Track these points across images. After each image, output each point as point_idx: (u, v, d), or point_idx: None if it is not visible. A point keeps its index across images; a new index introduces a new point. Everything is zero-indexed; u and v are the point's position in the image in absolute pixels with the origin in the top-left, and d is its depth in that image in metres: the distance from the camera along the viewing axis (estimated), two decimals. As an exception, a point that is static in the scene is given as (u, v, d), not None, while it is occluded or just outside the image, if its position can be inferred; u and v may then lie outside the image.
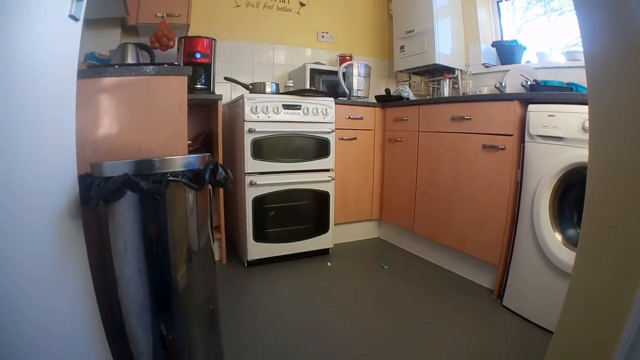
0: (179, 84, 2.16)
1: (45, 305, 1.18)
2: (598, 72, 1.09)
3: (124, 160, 1.47)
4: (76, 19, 1.29)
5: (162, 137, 2.09)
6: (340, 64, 4.17)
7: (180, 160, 1.51)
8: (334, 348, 2.17)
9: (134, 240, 1.49)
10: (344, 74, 3.96)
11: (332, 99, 3.42)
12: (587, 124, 2.03)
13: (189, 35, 3.48)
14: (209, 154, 1.71)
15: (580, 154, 2.07)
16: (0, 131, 1.00)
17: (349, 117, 3.66)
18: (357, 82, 3.98)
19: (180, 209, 1.55)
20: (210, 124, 3.49)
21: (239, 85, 3.44)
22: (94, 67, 2.33)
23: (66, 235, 1.32)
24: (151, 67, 2.12)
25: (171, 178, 1.42)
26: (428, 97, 4.31)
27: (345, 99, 3.87)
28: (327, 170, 3.41)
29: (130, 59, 3.03)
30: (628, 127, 1.01)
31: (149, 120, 2.05)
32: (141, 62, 3.15)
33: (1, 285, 0.99)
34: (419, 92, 4.45)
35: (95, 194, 1.36)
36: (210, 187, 1.64)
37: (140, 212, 1.47)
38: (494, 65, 3.89)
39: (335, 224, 3.58)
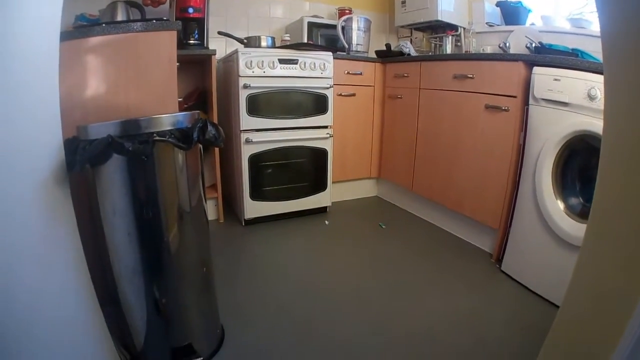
0: (168, 39, 2.09)
1: (35, 274, 1.16)
2: (614, 40, 1.00)
3: (109, 121, 1.41)
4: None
5: (152, 96, 2.04)
6: (339, 18, 4.03)
7: (167, 118, 1.44)
8: (331, 306, 2.18)
9: (122, 204, 1.45)
10: (343, 27, 3.84)
11: (330, 53, 3.34)
12: (592, 92, 1.98)
13: (181, -11, 3.36)
14: (198, 111, 1.66)
15: (585, 122, 2.02)
16: None
17: (348, 73, 3.57)
18: (357, 37, 3.87)
19: (169, 169, 1.50)
20: (204, 81, 3.41)
21: (234, 40, 3.35)
22: (80, 28, 2.25)
23: (53, 202, 1.28)
24: (139, 23, 2.05)
25: (158, 138, 1.36)
26: (430, 53, 4.22)
27: (344, 53, 3.77)
28: (325, 127, 3.36)
29: (120, 17, 2.93)
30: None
31: (138, 79, 2.00)
32: (132, 18, 3.06)
33: None
34: (420, 49, 4.35)
35: (80, 157, 1.31)
36: (200, 146, 1.58)
37: (128, 175, 1.42)
38: (498, 25, 3.77)
39: (333, 182, 3.55)
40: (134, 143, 1.30)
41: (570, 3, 3.38)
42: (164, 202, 1.51)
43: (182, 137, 1.42)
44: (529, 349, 1.44)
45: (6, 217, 1.03)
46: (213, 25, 3.49)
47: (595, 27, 2.88)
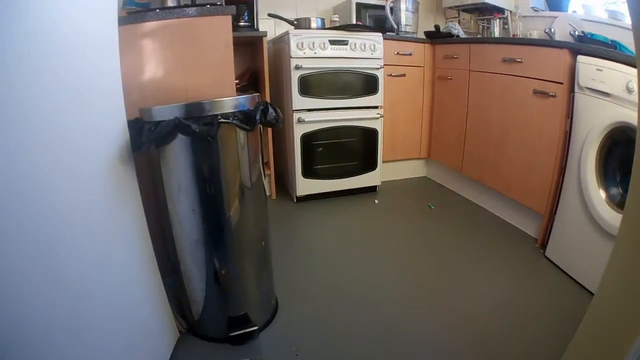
0: (223, 23, 2.13)
1: (102, 248, 1.23)
2: None
3: (172, 104, 1.47)
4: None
5: (210, 78, 2.09)
6: (387, -2, 4.03)
7: (230, 101, 1.50)
8: (379, 283, 2.23)
9: (187, 182, 1.53)
10: (391, 8, 3.82)
11: (380, 34, 3.33)
12: (630, 85, 1.95)
13: (230, -29, 3.40)
14: (258, 93, 1.71)
15: (624, 114, 2.00)
16: (47, 83, 1.01)
17: (398, 53, 3.57)
18: (406, 17, 3.85)
19: (232, 149, 1.56)
20: (255, 62, 3.47)
21: (283, 22, 3.38)
22: (134, 12, 2.31)
23: (119, 180, 1.35)
24: (193, 8, 2.09)
25: (222, 120, 1.42)
26: (478, 35, 4.16)
27: (393, 34, 3.75)
28: (376, 107, 3.37)
29: (170, 1, 2.99)
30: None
31: (195, 62, 2.04)
32: (182, 3, 3.11)
33: (59, 232, 1.02)
34: (468, 30, 4.29)
35: (147, 138, 1.38)
36: (260, 126, 1.63)
37: (192, 154, 1.49)
38: (543, 10, 3.72)
39: (383, 162, 3.57)
40: (200, 125, 1.36)
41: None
42: (226, 179, 1.58)
43: (245, 118, 1.48)
44: (565, 335, 1.45)
45: (76, 195, 1.10)
46: (262, 6, 3.52)
47: (628, 20, 2.83)
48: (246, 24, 3.35)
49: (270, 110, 1.55)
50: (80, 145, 1.13)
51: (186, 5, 2.81)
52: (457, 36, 3.80)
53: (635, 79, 1.92)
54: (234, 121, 1.44)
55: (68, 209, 1.06)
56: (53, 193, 1.01)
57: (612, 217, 2.01)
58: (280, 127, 1.70)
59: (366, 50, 3.24)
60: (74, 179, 1.10)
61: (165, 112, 1.44)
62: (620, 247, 1.15)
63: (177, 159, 1.50)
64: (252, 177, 1.67)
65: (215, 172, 1.54)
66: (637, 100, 1.90)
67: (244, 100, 1.54)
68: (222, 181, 1.56)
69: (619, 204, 2.05)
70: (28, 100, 0.94)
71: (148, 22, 1.95)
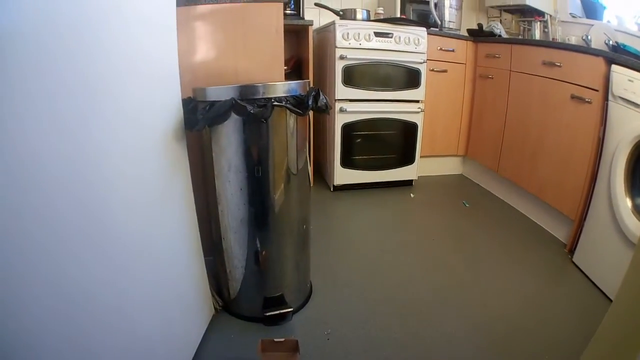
0: (274, 10, 2.16)
1: (148, 222, 1.28)
2: None
3: (225, 85, 1.52)
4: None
5: (259, 62, 2.13)
6: (432, -7, 4.04)
7: (282, 86, 1.54)
8: (410, 274, 2.28)
9: (237, 161, 1.58)
10: (435, 4, 3.83)
11: (424, 28, 3.35)
12: None
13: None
14: (308, 80, 1.75)
15: None
16: (113, 61, 1.06)
17: (440, 49, 3.58)
18: (449, 14, 3.86)
19: (282, 132, 1.61)
20: (299, 50, 3.50)
21: (328, 12, 3.41)
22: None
23: (172, 156, 1.41)
24: (245, -6, 2.13)
25: (276, 103, 1.46)
26: (519, 36, 4.14)
27: (437, 29, 3.76)
28: (417, 101, 3.39)
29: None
30: None
31: (246, 46, 2.08)
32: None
33: (107, 202, 1.06)
34: (509, 30, 4.27)
35: (202, 117, 1.42)
36: (310, 112, 1.67)
37: (244, 135, 1.54)
38: (580, 17, 3.70)
39: (421, 157, 3.59)
40: (255, 107, 1.41)
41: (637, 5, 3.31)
42: (274, 162, 1.62)
43: (297, 103, 1.52)
44: (585, 336, 1.47)
45: (128, 167, 1.14)
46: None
47: None
48: (292, 12, 3.39)
49: (322, 96, 1.59)
50: (137, 119, 1.18)
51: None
52: (499, 36, 3.79)
53: None
54: (288, 105, 1.49)
55: (119, 181, 1.10)
56: (107, 163, 1.05)
57: (635, 226, 2.01)
58: (329, 113, 1.74)
59: (410, 44, 3.26)
60: (129, 151, 1.14)
61: (220, 93, 1.49)
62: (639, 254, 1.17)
63: (229, 138, 1.55)
64: (299, 163, 1.72)
65: (264, 154, 1.59)
66: None
67: (296, 86, 1.58)
68: (270, 163, 1.61)
69: None
70: (95, 75, 0.99)
71: (203, 5, 2.00)
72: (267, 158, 1.59)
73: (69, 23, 0.89)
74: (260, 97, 1.48)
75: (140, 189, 1.21)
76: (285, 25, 2.84)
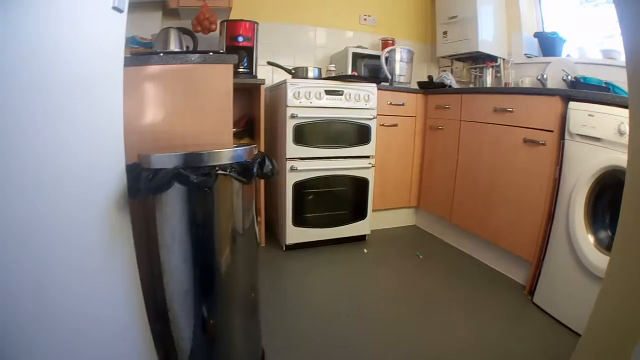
0: (224, 72, 2.18)
1: (92, 294, 1.23)
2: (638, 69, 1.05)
3: (171, 152, 1.50)
4: (120, 10, 1.32)
5: (208, 125, 2.12)
6: (382, 48, 4.15)
7: (228, 153, 1.53)
8: (368, 333, 2.24)
9: (181, 231, 1.54)
10: (386, 58, 3.93)
11: (374, 84, 3.41)
12: (622, 127, 2.03)
13: (230, 18, 3.49)
14: (255, 145, 1.74)
15: (616, 157, 2.07)
16: (49, 123, 1.03)
17: (391, 103, 3.65)
18: (400, 68, 3.95)
19: (228, 200, 1.59)
20: (252, 108, 3.51)
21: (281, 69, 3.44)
22: (138, 54, 2.35)
23: (115, 224, 1.37)
24: (196, 55, 2.13)
25: (220, 172, 1.45)
26: (470, 84, 4.29)
27: (387, 84, 3.86)
28: (368, 156, 3.42)
29: (173, 44, 3.05)
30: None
31: (195, 109, 2.08)
32: (184, 46, 3.18)
33: (52, 276, 1.04)
34: (460, 79, 4.41)
35: (145, 186, 1.40)
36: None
37: (188, 204, 1.51)
38: (536, 57, 3.84)
39: (373, 210, 3.60)
40: (198, 175, 1.39)
41: (602, 28, 3.42)
42: (220, 230, 1.60)
43: (242, 170, 1.51)
44: None
45: (70, 237, 1.11)
46: (261, 51, 3.62)
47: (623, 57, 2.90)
48: (245, 70, 3.41)
49: (267, 162, 1.59)
50: (77, 187, 1.15)
51: (189, 52, 2.88)
52: (450, 86, 3.91)
53: (628, 120, 1.97)
54: (232, 173, 1.47)
55: (58, 248, 1.07)
56: (47, 234, 1.02)
57: (600, 260, 2.05)
58: (275, 179, 1.73)
59: (360, 101, 3.31)
60: (69, 221, 1.11)
61: (164, 160, 1.47)
62: (607, 286, 1.18)
63: (173, 207, 1.52)
64: (246, 228, 1.69)
65: (209, 223, 1.56)
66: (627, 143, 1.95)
67: (242, 152, 1.57)
68: (215, 232, 1.58)
69: (607, 247, 2.10)
70: (30, 135, 0.97)
71: (151, 65, 1.99)
72: (213, 227, 1.57)
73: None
74: (205, 164, 1.47)
75: (81, 258, 1.17)
76: (237, 83, 2.86)
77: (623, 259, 1.13)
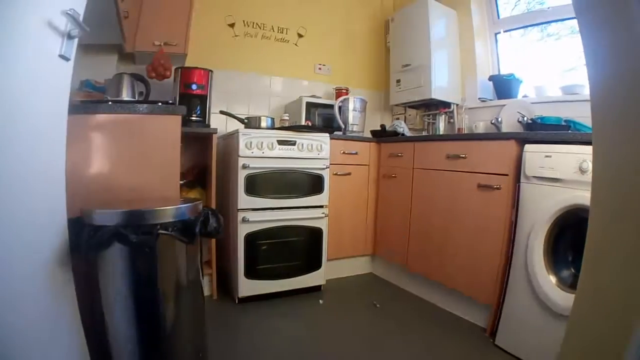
0: (172, 123, 2.18)
1: (35, 352, 1.20)
2: (605, 107, 1.06)
3: (114, 208, 1.50)
4: (66, 59, 1.32)
5: (155, 178, 2.11)
6: (336, 97, 4.22)
7: (170, 210, 1.53)
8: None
9: (124, 291, 1.53)
10: (339, 107, 4.00)
11: (327, 134, 3.46)
12: (584, 165, 2.07)
13: (186, 65, 3.52)
14: (200, 201, 1.74)
15: (577, 196, 2.10)
16: None
17: (344, 152, 3.69)
18: (353, 117, 4.02)
19: (171, 258, 1.58)
20: (204, 157, 3.50)
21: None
22: (87, 102, 2.34)
23: (56, 282, 1.35)
24: (145, 105, 2.13)
25: (161, 231, 1.44)
26: (424, 131, 4.38)
27: (341, 133, 3.92)
28: (321, 206, 3.43)
29: (125, 91, 3.03)
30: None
31: (142, 160, 2.07)
32: (137, 93, 3.16)
33: None
34: (414, 126, 4.51)
35: (85, 244, 1.39)
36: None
37: (130, 263, 1.51)
38: (490, 100, 3.92)
39: (328, 260, 3.58)
40: (138, 235, 1.38)
41: (562, 63, 3.49)
42: (164, 289, 1.59)
43: (185, 229, 1.51)
44: None
45: (9, 295, 1.09)
46: (215, 98, 3.67)
47: (587, 91, 2.89)
48: (198, 118, 3.41)
49: (211, 220, 1.59)
50: (17, 242, 1.13)
51: (138, 101, 2.87)
52: (402, 134, 3.97)
53: (590, 157, 1.92)
54: (173, 232, 1.47)
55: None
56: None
57: (564, 299, 2.08)
58: (221, 237, 1.72)
59: (313, 151, 3.34)
60: (6, 274, 1.09)
61: (105, 218, 1.46)
62: (573, 324, 1.20)
63: (115, 265, 1.51)
64: (191, 286, 1.69)
65: (152, 282, 1.55)
66: (589, 180, 1.94)
67: (186, 209, 1.57)
68: (159, 291, 1.57)
69: (571, 285, 2.13)
70: None
71: (100, 114, 1.99)
72: (156, 286, 1.56)
73: None
74: (147, 223, 1.46)
75: (20, 316, 1.15)
76: (189, 132, 2.86)
77: (589, 295, 1.15)
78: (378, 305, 3.29)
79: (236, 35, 4.19)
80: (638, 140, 0.93)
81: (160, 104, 2.30)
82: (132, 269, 1.51)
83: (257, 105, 4.30)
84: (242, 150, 3.05)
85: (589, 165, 2.03)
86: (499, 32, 4.09)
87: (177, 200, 2.00)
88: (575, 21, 3.22)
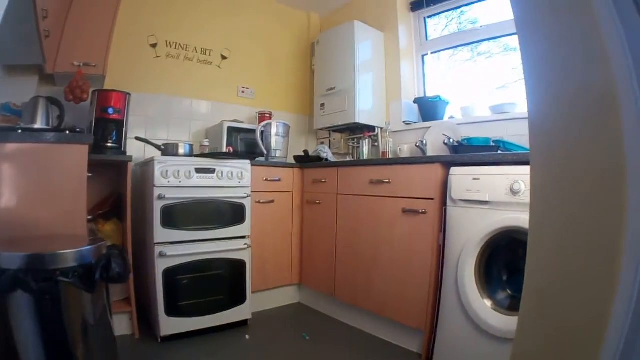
0: (79, 153, 2.12)
1: None
2: (544, 125, 1.06)
3: (16, 252, 1.45)
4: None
5: (62, 212, 2.06)
6: (259, 122, 4.22)
7: (71, 254, 1.50)
8: None
9: (32, 335, 1.49)
10: (262, 133, 3.99)
11: (248, 161, 3.45)
12: (515, 186, 2.08)
13: (105, 87, 3.43)
14: (104, 242, 1.70)
15: (508, 218, 2.12)
16: None
17: (267, 179, 3.69)
18: (276, 142, 4.03)
19: (74, 304, 1.55)
20: (120, 186, 3.41)
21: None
22: None
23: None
24: (52, 134, 2.08)
25: (61, 278, 1.40)
26: (348, 156, 4.45)
27: (263, 159, 3.92)
28: (243, 237, 3.39)
29: (40, 116, 2.92)
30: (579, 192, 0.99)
31: (48, 194, 2.02)
32: (52, 118, 3.05)
33: None
34: (338, 150, 4.57)
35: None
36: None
37: (35, 306, 1.47)
38: (415, 123, 4.01)
39: (253, 292, 3.53)
40: (39, 282, 1.34)
41: (491, 85, 3.61)
42: (71, 331, 1.54)
43: (86, 274, 1.47)
44: None
45: None
46: (134, 122, 3.60)
47: (518, 109, 3.07)
48: (114, 144, 3.30)
49: (114, 265, 1.54)
50: None
51: (47, 130, 2.77)
52: (326, 159, 4.01)
53: (524, 177, 2.03)
54: (73, 279, 1.43)
55: None
56: None
57: (500, 321, 2.11)
58: (127, 281, 1.69)
59: (233, 179, 3.31)
60: None
61: (8, 261, 1.42)
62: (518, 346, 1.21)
63: (22, 309, 1.47)
64: (99, 328, 1.64)
65: (59, 325, 1.52)
66: (523, 201, 2.00)
67: (87, 252, 1.54)
68: (67, 334, 1.54)
69: (509, 307, 2.16)
70: None
71: (9, 143, 1.93)
72: (63, 329, 1.51)
73: None
74: (48, 267, 1.42)
75: None
76: (104, 160, 2.78)
77: (533, 313, 1.16)
78: (307, 337, 3.25)
79: (158, 56, 4.10)
80: (580, 157, 0.94)
81: (67, 132, 2.24)
82: (37, 313, 1.46)
83: (177, 129, 4.22)
84: (158, 179, 2.98)
85: (521, 186, 2.06)
86: (426, 54, 4.21)
87: (83, 238, 1.95)
88: (508, 39, 3.45)
